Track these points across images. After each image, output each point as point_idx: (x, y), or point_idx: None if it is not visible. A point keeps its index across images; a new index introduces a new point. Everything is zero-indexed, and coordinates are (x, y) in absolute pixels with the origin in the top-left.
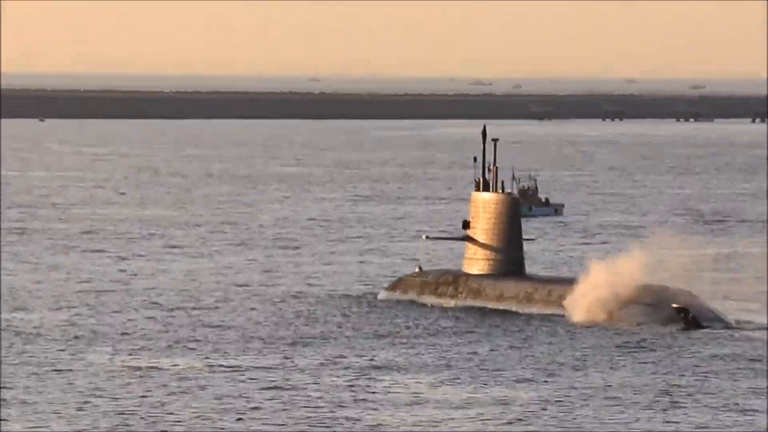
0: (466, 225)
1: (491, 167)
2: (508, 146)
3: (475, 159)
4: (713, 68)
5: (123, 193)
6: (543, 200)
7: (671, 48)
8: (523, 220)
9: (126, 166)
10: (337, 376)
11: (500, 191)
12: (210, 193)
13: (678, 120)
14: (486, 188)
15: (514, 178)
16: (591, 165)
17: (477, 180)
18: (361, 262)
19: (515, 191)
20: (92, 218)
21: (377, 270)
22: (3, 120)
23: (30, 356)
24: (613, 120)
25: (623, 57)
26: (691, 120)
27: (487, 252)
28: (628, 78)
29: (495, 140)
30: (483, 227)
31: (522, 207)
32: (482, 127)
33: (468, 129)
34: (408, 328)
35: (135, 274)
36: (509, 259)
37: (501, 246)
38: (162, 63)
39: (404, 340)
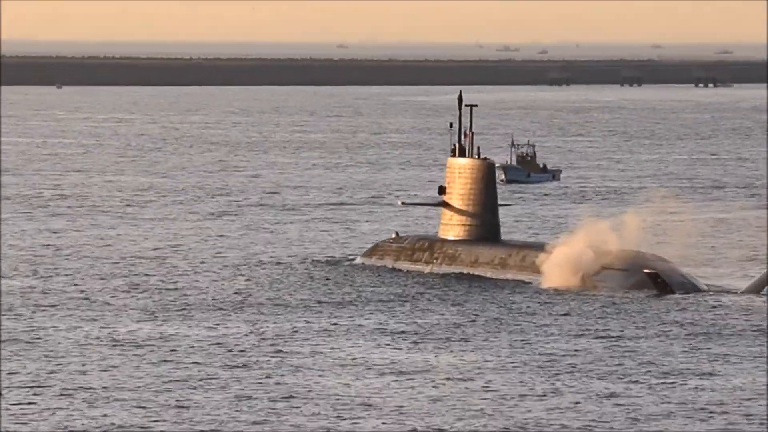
0: (442, 191)
1: (467, 133)
2: (516, 113)
3: (451, 125)
4: (742, 33)
5: (120, 161)
6: (541, 166)
7: (700, 13)
8: (522, 186)
9: (130, 134)
10: (303, 342)
11: (476, 157)
12: (203, 159)
13: (696, 85)
14: (462, 154)
15: (513, 144)
16: (596, 131)
17: (453, 146)
18: (341, 227)
19: (514, 157)
20: (83, 184)
21: (356, 235)
22: (19, 87)
23: (10, 323)
24: (631, 85)
25: (651, 22)
26: (710, 85)
27: (463, 217)
28: (654, 43)
29: (471, 106)
30: (458, 193)
31: (521, 172)
32: (458, 93)
33: (481, 95)
34: (379, 294)
35: (114, 240)
36: (484, 225)
37: (476, 211)
38: (187, 31)
39: (373, 307)
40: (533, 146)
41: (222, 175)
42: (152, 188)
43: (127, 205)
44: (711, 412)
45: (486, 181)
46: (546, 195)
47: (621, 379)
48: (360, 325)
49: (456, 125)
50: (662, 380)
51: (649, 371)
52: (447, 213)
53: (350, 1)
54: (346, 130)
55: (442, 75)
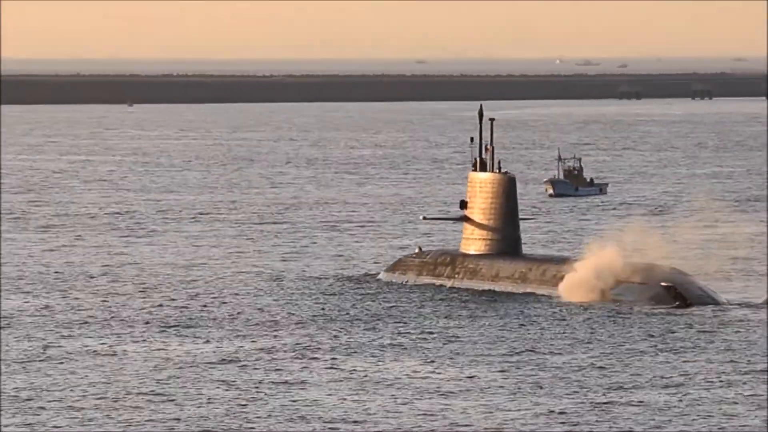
0: (463, 205)
1: (488, 147)
2: (572, 127)
3: (471, 139)
4: None
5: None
6: (588, 180)
7: None
8: (570, 199)
9: (171, 152)
10: (320, 358)
11: (497, 171)
12: (233, 176)
13: None
14: (483, 168)
15: (560, 158)
16: (649, 144)
17: (474, 160)
18: (367, 242)
19: (561, 172)
20: (115, 202)
21: (381, 251)
22: (92, 105)
23: (23, 340)
24: (702, 99)
25: (733, 34)
26: None
27: (484, 232)
28: (737, 56)
29: (492, 120)
30: (480, 207)
31: (569, 186)
32: (479, 107)
33: (541, 109)
34: (397, 310)
35: (143, 256)
36: (505, 239)
37: (497, 226)
38: (260, 48)
39: (390, 323)
40: (579, 160)
41: (253, 191)
42: (186, 205)
43: (159, 222)
44: (725, 425)
45: (507, 195)
46: (589, 209)
47: (633, 392)
48: (377, 342)
49: (477, 139)
50: (674, 392)
51: (663, 384)
52: (468, 227)
53: (433, 16)
54: (394, 146)
55: (513, 90)
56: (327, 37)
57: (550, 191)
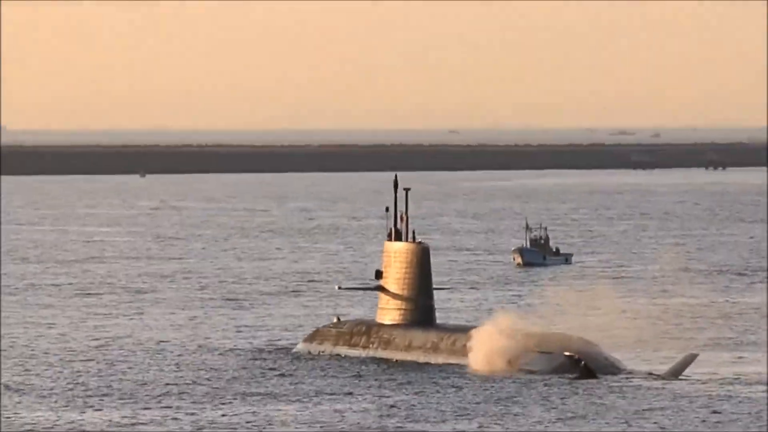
0: (378, 275)
1: (403, 216)
2: (561, 196)
3: (387, 209)
4: None
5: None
6: (554, 250)
7: None
8: (537, 269)
9: (165, 223)
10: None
11: (411, 240)
12: (169, 247)
13: None
14: (398, 238)
15: (527, 227)
16: (636, 215)
17: (389, 230)
18: (295, 312)
19: (528, 241)
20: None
21: (304, 321)
22: (106, 176)
23: None
24: (715, 169)
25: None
26: None
27: (399, 301)
28: None
29: (407, 189)
30: (394, 277)
31: (538, 255)
32: (394, 177)
33: (551, 179)
34: (307, 384)
35: (46, 325)
36: (419, 309)
37: (411, 295)
38: (284, 117)
39: (296, 397)
40: (545, 229)
41: (182, 261)
42: (106, 275)
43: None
44: None
45: (421, 265)
46: (551, 278)
47: None
48: (268, 414)
49: (392, 209)
50: None
51: None
52: (384, 297)
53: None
54: (360, 217)
55: (529, 160)
56: (364, 105)
57: (519, 260)
